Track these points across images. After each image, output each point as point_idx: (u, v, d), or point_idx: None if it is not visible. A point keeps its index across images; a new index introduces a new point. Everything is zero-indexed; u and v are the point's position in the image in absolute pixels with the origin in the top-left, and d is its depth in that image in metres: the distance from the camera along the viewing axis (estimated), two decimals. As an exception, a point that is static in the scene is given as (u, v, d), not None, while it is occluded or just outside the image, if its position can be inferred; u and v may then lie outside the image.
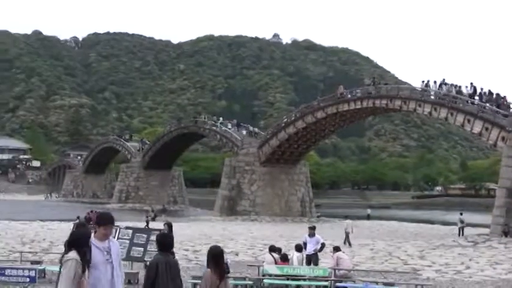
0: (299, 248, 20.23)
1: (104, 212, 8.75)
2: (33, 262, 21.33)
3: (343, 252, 21.76)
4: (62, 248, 18.23)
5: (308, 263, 20.82)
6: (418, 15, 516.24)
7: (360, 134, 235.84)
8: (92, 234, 7.97)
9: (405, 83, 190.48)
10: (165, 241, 9.42)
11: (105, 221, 8.15)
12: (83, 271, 7.36)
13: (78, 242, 7.51)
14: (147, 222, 46.14)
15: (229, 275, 18.51)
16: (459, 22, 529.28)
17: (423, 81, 52.37)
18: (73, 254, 7.28)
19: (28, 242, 34.83)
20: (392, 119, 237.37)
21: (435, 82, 50.57)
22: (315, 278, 18.32)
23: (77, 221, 37.40)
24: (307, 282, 18.43)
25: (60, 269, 7.59)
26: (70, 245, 7.50)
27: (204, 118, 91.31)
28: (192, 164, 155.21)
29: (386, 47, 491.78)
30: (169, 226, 19.11)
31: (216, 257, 9.04)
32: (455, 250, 33.23)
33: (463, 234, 44.38)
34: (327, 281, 18.23)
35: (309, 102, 69.86)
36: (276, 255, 19.42)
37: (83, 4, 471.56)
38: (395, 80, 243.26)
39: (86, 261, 7.44)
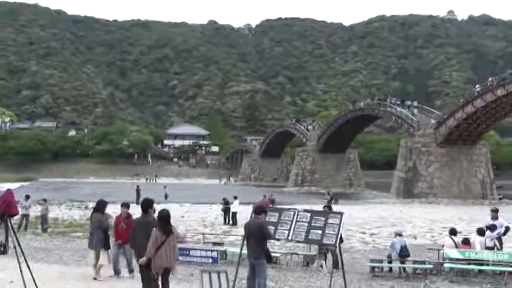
0: (481, 232, 19.39)
1: None
2: (215, 243, 22.09)
3: (529, 236, 20.65)
4: (241, 231, 18.66)
5: (491, 248, 19.96)
6: None
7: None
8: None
9: None
10: (144, 205, 12.20)
11: None
12: None
13: None
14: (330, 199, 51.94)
15: (408, 258, 18.26)
16: None
17: None
18: None
19: (209, 224, 36.18)
20: None
21: None
22: (499, 263, 17.56)
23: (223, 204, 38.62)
24: (490, 267, 17.70)
25: None
26: None
27: (385, 100, 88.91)
28: (367, 146, 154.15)
29: None
30: (329, 208, 20.09)
31: (161, 218, 10.91)
32: None
33: None
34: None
35: (488, 80, 66.96)
36: (456, 239, 18.80)
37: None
38: None
39: None
